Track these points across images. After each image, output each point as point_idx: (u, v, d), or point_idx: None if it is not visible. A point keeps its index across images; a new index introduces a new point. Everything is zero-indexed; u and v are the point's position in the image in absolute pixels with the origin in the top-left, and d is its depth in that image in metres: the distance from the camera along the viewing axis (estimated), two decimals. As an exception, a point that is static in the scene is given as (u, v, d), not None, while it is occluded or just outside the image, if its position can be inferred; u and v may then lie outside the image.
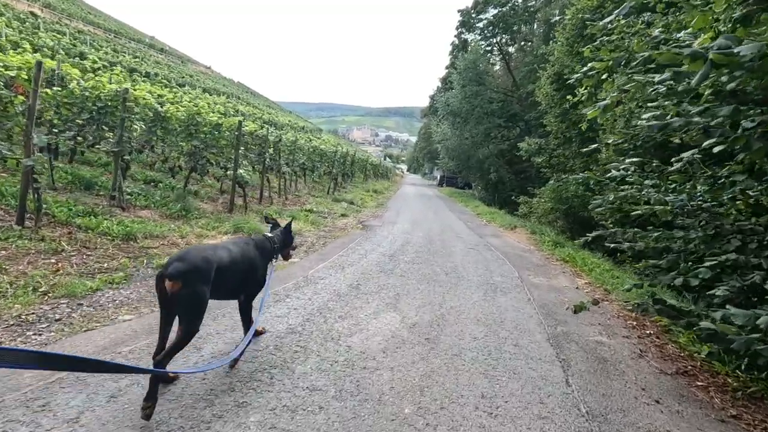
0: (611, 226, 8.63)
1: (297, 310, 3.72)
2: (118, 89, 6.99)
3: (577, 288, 5.94)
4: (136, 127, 7.43)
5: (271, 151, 11.39)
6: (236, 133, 9.08)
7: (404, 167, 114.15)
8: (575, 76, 4.42)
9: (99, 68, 15.75)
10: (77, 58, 17.22)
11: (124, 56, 28.21)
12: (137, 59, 32.68)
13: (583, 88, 4.00)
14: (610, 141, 5.72)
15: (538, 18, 33.87)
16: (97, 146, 7.44)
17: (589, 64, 3.89)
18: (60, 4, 46.47)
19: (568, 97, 4.04)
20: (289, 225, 3.31)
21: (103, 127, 7.14)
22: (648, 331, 4.24)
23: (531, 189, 17.69)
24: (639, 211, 3.43)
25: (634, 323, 4.45)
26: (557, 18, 13.46)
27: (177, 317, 2.15)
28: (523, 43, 37.13)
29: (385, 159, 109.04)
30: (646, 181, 3.89)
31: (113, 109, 7.06)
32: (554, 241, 9.61)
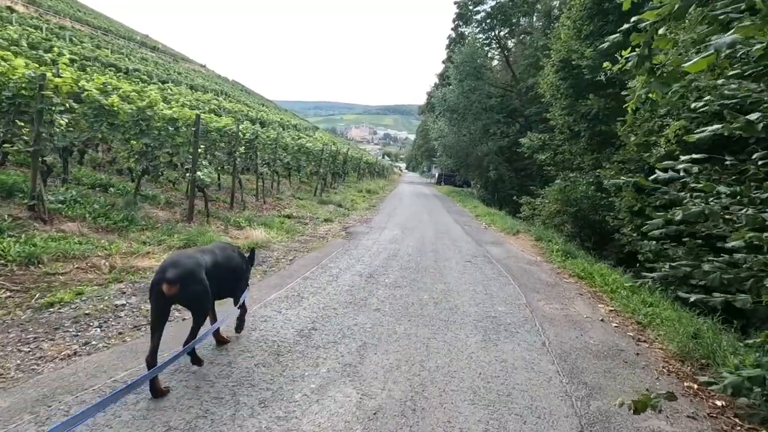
0: (633, 234, 7.36)
1: (199, 391, 2.43)
2: (33, 74, 5.69)
3: (602, 320, 4.66)
4: (62, 122, 6.14)
5: (242, 149, 10.09)
6: (193, 128, 7.79)
7: (403, 165, 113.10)
8: (611, 37, 3.11)
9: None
10: (41, 51, 15.87)
11: (105, 51, 26.79)
12: (121, 55, 31.30)
13: (627, 51, 2.69)
14: (667, 131, 4.41)
15: (538, 9, 32.51)
16: (6, 145, 6.14)
17: (635, 18, 2.62)
18: (46, 1, 44.91)
19: (605, 64, 2.71)
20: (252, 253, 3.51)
21: (17, 121, 5.85)
22: (718, 402, 2.96)
23: (534, 188, 16.43)
24: (739, 241, 2.14)
25: (694, 386, 3.17)
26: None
27: (189, 311, 2.60)
28: (522, 36, 35.74)
29: (383, 157, 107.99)
30: (721, 188, 2.60)
31: (29, 100, 5.78)
32: (564, 251, 8.32)
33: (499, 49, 36.71)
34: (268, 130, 16.88)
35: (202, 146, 8.19)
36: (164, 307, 2.41)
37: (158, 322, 2.38)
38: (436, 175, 52.96)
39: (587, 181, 10.06)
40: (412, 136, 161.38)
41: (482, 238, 10.44)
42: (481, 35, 35.36)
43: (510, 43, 37.60)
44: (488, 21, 34.52)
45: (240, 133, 10.15)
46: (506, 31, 36.44)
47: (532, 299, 5.28)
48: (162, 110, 7.80)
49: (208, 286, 2.48)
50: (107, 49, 30.10)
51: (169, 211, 8.39)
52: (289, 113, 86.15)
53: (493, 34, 35.72)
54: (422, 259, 7.21)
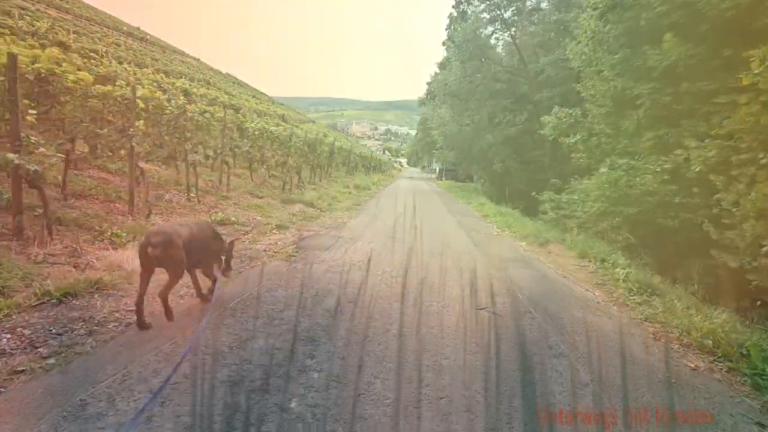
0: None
1: None
2: None
3: None
4: None
5: (140, 124, 6.72)
6: (3, 78, 4.46)
7: (404, 161, 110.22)
8: None
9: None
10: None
11: (58, 29, 23.47)
12: (86, 37, 28.04)
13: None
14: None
15: (548, -15, 28.85)
16: None
17: None
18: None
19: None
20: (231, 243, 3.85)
21: None
22: None
23: (557, 181, 13.08)
24: None
25: None
26: None
27: (166, 271, 3.00)
28: (530, 13, 32.20)
29: (384, 153, 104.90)
30: None
31: None
32: (641, 283, 4.98)
33: (505, 30, 33.16)
34: (225, 110, 13.53)
35: (32, 112, 4.87)
36: (150, 266, 2.89)
37: (145, 275, 2.89)
38: (437, 169, 49.97)
39: (662, 168, 6.67)
40: (414, 132, 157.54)
41: (498, 253, 7.10)
42: (485, 14, 31.81)
43: (517, 26, 34.06)
44: (493, -3, 30.88)
45: (139, 100, 6.79)
46: (512, 9, 32.92)
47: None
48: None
49: (183, 253, 2.94)
50: (64, 28, 26.78)
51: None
52: (285, 107, 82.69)
53: (498, 13, 32.13)
54: (399, 309, 3.87)
